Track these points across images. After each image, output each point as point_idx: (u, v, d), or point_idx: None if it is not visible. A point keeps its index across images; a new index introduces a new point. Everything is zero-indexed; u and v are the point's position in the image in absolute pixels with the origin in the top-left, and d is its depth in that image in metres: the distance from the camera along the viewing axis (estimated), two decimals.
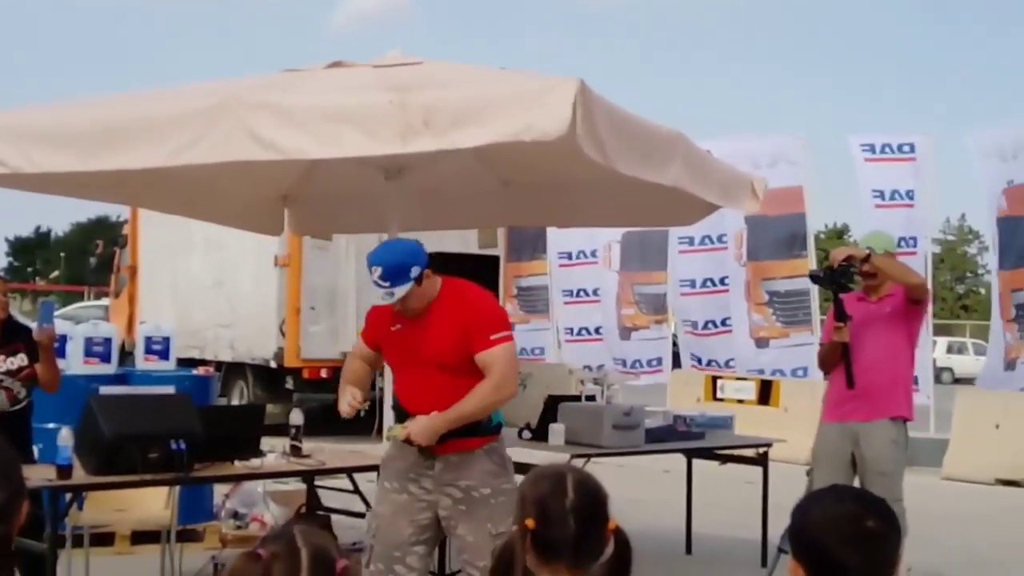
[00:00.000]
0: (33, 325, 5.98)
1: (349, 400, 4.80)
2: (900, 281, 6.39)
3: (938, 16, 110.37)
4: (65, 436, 5.29)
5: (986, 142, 13.56)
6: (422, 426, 4.63)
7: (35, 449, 6.09)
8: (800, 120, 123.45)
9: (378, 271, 4.59)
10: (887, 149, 14.26)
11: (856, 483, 6.32)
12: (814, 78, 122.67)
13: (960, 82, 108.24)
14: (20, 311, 25.16)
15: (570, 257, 17.25)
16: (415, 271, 4.59)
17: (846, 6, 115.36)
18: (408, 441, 4.66)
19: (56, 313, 6.38)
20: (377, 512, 4.81)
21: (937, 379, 17.95)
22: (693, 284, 15.55)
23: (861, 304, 6.41)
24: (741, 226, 14.58)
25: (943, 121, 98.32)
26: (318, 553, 1.90)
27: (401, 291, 4.57)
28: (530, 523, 2.40)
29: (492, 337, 4.60)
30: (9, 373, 5.77)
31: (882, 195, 14.12)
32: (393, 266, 4.58)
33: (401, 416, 4.80)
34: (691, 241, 15.37)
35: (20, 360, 5.79)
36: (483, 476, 4.69)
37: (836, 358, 6.42)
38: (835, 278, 6.38)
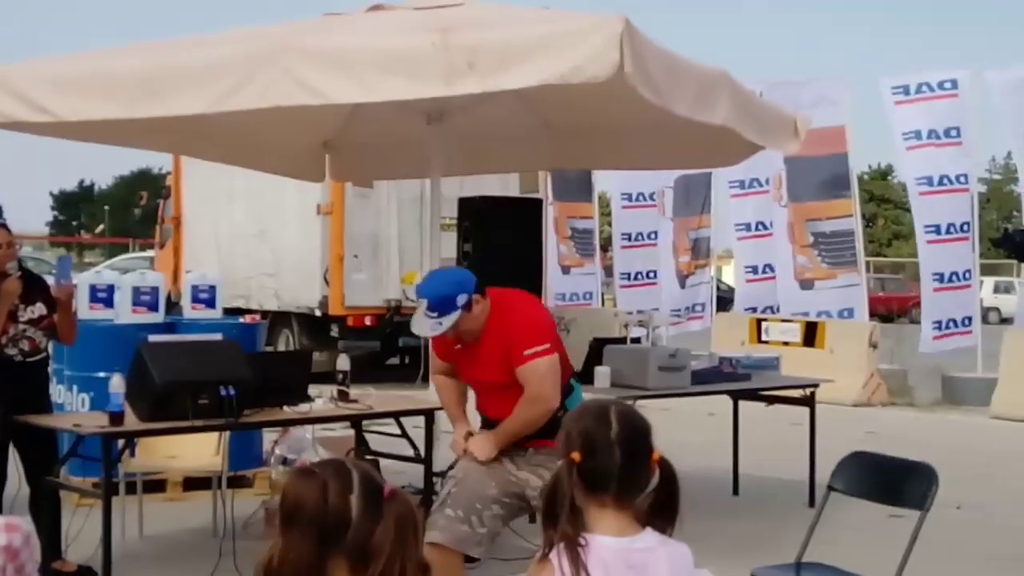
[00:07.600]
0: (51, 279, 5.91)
1: (461, 441, 4.81)
2: None
3: None
4: (116, 383, 5.30)
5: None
6: (479, 446, 4.71)
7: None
8: (841, 61, 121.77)
9: (424, 303, 4.59)
10: (924, 88, 13.91)
11: None
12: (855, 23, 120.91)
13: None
14: None
15: (631, 199, 17.07)
16: (462, 299, 4.55)
17: None
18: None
19: (104, 265, 6.39)
20: (467, 465, 4.76)
21: (984, 319, 17.76)
22: (748, 228, 15.45)
23: None
24: (780, 168, 14.44)
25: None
26: (367, 474, 2.00)
27: (449, 320, 4.55)
28: (576, 456, 2.40)
29: (526, 353, 4.57)
30: (31, 322, 5.72)
31: (918, 135, 13.81)
32: (439, 297, 4.57)
33: (485, 421, 4.86)
34: (741, 184, 15.25)
35: (39, 309, 5.74)
36: None
37: None
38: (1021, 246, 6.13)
